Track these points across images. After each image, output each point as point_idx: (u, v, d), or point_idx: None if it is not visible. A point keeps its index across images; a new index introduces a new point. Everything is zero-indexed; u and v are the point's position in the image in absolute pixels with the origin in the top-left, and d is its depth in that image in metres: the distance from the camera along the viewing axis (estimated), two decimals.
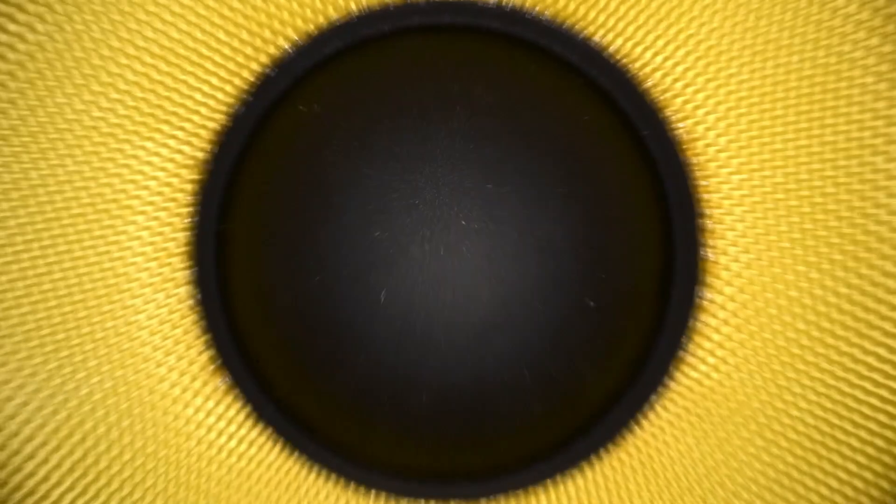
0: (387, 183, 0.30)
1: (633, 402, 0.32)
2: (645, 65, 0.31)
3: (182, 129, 0.31)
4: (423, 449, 0.31)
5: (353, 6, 0.32)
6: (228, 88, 0.32)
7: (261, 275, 0.31)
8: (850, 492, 0.30)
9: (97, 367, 0.31)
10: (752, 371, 0.31)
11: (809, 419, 0.30)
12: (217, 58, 0.31)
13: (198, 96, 0.31)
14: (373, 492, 0.32)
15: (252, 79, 0.32)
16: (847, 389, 0.30)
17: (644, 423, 0.32)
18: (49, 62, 0.29)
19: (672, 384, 0.32)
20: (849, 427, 0.30)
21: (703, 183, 0.31)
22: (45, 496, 0.30)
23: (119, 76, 0.30)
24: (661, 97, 0.31)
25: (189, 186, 0.32)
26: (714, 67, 0.30)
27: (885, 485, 0.29)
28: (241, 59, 0.31)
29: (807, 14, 0.29)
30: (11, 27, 0.29)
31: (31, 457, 0.30)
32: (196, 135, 0.32)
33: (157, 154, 0.31)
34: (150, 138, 0.31)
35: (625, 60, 0.31)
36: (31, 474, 0.30)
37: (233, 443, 0.32)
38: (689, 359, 0.32)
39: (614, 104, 0.31)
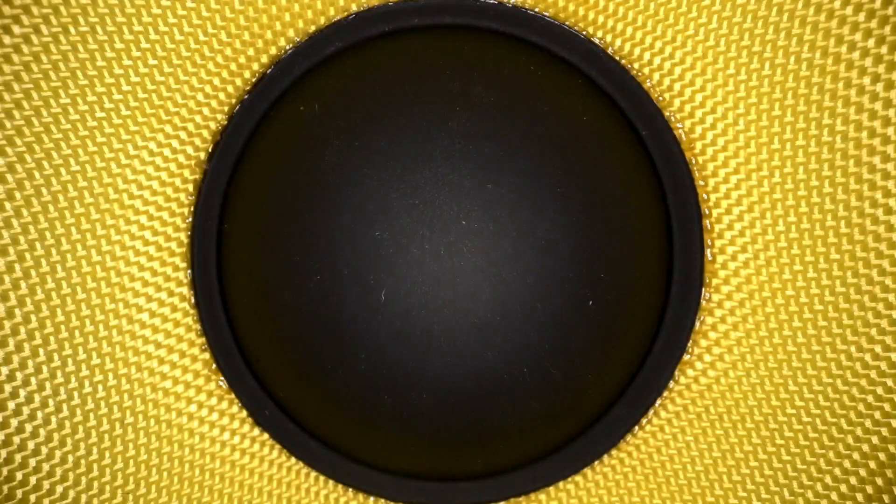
0: (387, 183, 0.30)
1: (632, 401, 0.32)
2: (644, 65, 0.31)
3: (184, 129, 0.31)
4: (423, 448, 0.31)
5: (354, 6, 0.32)
6: (230, 89, 0.32)
7: (261, 275, 0.31)
8: (844, 489, 0.30)
9: (99, 366, 0.31)
10: (748, 368, 0.31)
11: (805, 416, 0.30)
12: (219, 59, 0.31)
13: (199, 97, 0.31)
14: (372, 495, 0.32)
15: (252, 79, 0.32)
16: (842, 387, 0.30)
17: (643, 421, 0.32)
18: (53, 64, 0.29)
19: (670, 383, 0.32)
20: (844, 425, 0.30)
21: (701, 183, 0.31)
22: (49, 492, 0.30)
23: (122, 77, 0.30)
24: (661, 97, 0.31)
25: (189, 187, 0.32)
26: (713, 68, 0.30)
27: (879, 482, 0.30)
28: (242, 59, 0.31)
29: (803, 16, 0.29)
30: (17, 30, 0.29)
31: (35, 453, 0.30)
32: (197, 135, 0.32)
33: (158, 155, 0.31)
34: (151, 139, 0.31)
35: (624, 61, 0.31)
36: (36, 470, 0.30)
37: (235, 440, 0.32)
38: (687, 357, 0.32)
39: (614, 104, 0.31)
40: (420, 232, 0.30)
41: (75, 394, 0.30)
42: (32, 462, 0.30)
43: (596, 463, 0.32)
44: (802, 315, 0.30)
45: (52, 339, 0.30)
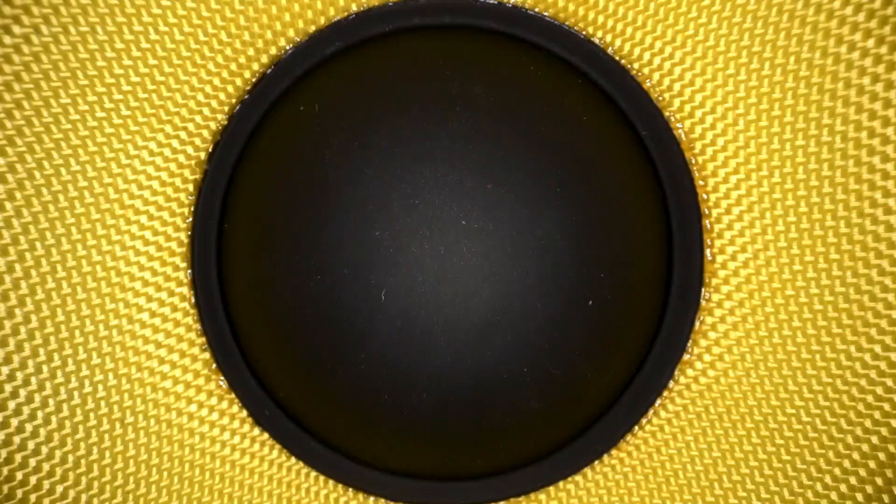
0: (387, 183, 0.30)
1: (632, 401, 0.32)
2: (644, 65, 0.31)
3: (184, 129, 0.31)
4: (422, 447, 0.31)
5: (354, 6, 0.32)
6: (230, 89, 0.32)
7: (261, 275, 0.31)
8: (844, 489, 0.30)
9: (100, 366, 0.31)
10: (748, 368, 0.31)
11: (804, 416, 0.30)
12: (219, 59, 0.31)
13: (200, 97, 0.31)
14: (371, 496, 0.32)
15: (252, 79, 0.32)
16: (841, 387, 0.30)
17: (643, 421, 0.32)
18: (53, 64, 0.29)
19: (670, 382, 0.32)
20: (843, 425, 0.30)
21: (701, 183, 0.31)
22: (49, 491, 0.30)
23: (122, 77, 0.30)
24: (661, 98, 0.31)
25: (189, 187, 0.32)
26: (713, 68, 0.30)
27: (879, 482, 0.30)
28: (242, 59, 0.31)
29: (803, 17, 0.29)
30: (17, 30, 0.29)
31: (35, 453, 0.30)
32: (197, 135, 0.32)
33: (158, 155, 0.31)
34: (152, 139, 0.31)
35: (624, 61, 0.31)
36: (36, 470, 0.30)
37: (235, 440, 0.32)
38: (687, 356, 0.32)
39: (614, 104, 0.31)
40: (420, 232, 0.30)
41: (75, 393, 0.30)
42: (32, 462, 0.30)
43: (596, 463, 0.32)
44: (802, 315, 0.30)
45: (52, 338, 0.30)
